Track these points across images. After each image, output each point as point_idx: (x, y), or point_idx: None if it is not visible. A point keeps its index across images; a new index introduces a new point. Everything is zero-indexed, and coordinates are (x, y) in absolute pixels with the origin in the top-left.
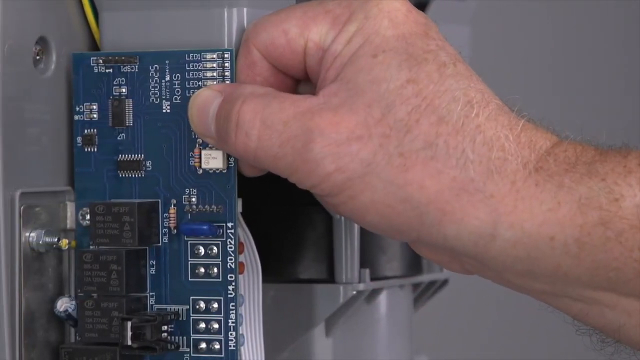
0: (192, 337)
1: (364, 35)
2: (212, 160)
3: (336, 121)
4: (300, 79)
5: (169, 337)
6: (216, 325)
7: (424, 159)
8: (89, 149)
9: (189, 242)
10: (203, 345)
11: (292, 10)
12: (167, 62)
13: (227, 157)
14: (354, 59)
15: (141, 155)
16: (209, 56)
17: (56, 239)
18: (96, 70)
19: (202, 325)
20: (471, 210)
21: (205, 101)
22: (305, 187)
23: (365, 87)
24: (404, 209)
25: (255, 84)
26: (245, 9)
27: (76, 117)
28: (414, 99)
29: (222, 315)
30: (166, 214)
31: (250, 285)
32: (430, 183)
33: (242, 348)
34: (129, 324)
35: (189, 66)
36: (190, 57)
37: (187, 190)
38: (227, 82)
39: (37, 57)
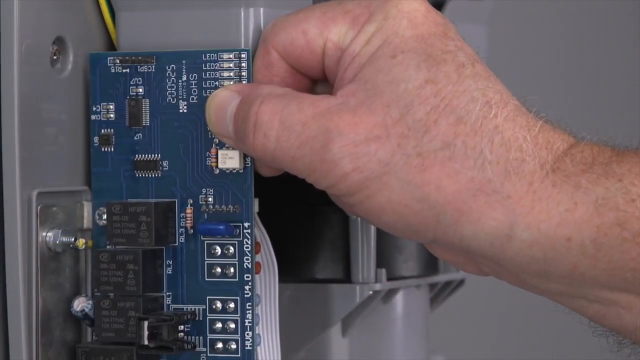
0: (208, 337)
1: (383, 36)
2: (229, 160)
3: (354, 121)
4: (317, 80)
5: (185, 337)
6: (233, 325)
7: (442, 159)
8: (106, 149)
9: (206, 242)
10: (219, 345)
11: (311, 11)
12: (183, 62)
13: (244, 157)
14: (372, 59)
15: (158, 155)
16: (225, 56)
17: (73, 239)
18: (113, 70)
19: (219, 325)
20: (488, 211)
21: (222, 101)
22: (323, 187)
23: (383, 88)
24: (420, 208)
25: (272, 84)
26: (262, 9)
27: (93, 117)
28: (432, 99)
29: (238, 315)
30: (183, 214)
31: (267, 285)
32: (448, 183)
33: (258, 348)
34: (146, 323)
35: (205, 66)
36: (207, 57)
37: (203, 190)
38: (244, 82)
39: (54, 57)
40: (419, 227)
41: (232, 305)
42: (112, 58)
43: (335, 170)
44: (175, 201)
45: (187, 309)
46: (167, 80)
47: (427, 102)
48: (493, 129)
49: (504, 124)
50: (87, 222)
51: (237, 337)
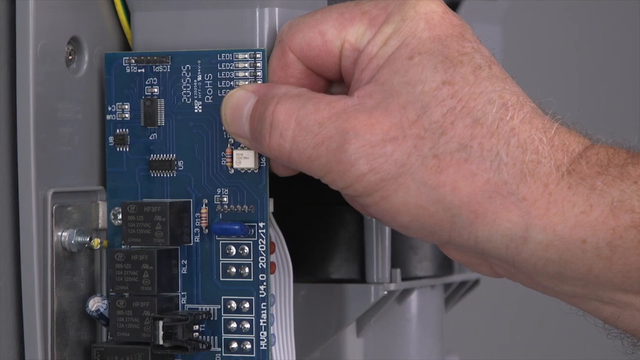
0: (223, 337)
1: (400, 37)
2: (244, 160)
3: (371, 122)
4: (333, 81)
5: (200, 337)
6: (247, 325)
7: (458, 161)
8: (121, 149)
9: (221, 241)
10: (234, 344)
11: (328, 12)
12: (199, 62)
13: (259, 156)
14: (390, 60)
15: (173, 155)
16: (240, 56)
17: (88, 239)
18: (128, 70)
19: (234, 324)
20: (503, 213)
21: (238, 101)
22: (339, 187)
23: (400, 89)
24: (436, 210)
25: (288, 85)
26: (277, 9)
27: (108, 117)
28: (449, 100)
29: (253, 315)
30: (198, 214)
31: (282, 285)
32: (464, 185)
33: (273, 348)
34: (161, 323)
35: (220, 66)
36: (222, 57)
37: (218, 190)
38: (259, 82)
39: (70, 57)
40: (434, 228)
41: (247, 305)
42: (128, 58)
43: (351, 170)
44: (190, 201)
45: (202, 308)
46: (182, 80)
47: (444, 104)
48: (509, 131)
49: (520, 126)
50: (102, 222)
51: (252, 337)
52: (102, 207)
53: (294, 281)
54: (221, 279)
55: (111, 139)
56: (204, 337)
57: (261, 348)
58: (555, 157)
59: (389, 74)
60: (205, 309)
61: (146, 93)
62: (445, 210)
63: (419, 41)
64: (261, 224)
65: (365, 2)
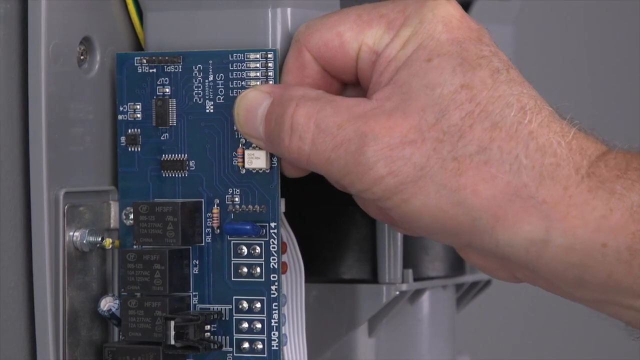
0: (234, 337)
1: (419, 40)
2: (256, 160)
3: (390, 125)
4: (348, 83)
5: (211, 337)
6: (259, 325)
7: (478, 164)
8: (133, 149)
9: (232, 242)
10: (246, 344)
11: (346, 14)
12: (210, 62)
13: (271, 157)
14: (408, 63)
15: (184, 155)
16: (252, 56)
17: (100, 239)
18: (140, 70)
19: (245, 325)
20: (524, 216)
21: (253, 102)
22: (356, 190)
23: (419, 92)
24: (456, 213)
25: (304, 86)
26: (289, 9)
27: (120, 117)
28: (467, 104)
29: (264, 315)
30: (209, 214)
31: (293, 285)
32: (484, 188)
33: (284, 348)
34: (172, 323)
35: (232, 66)
36: (234, 57)
37: (230, 190)
38: (271, 82)
39: (82, 57)
40: (455, 231)
41: (258, 305)
42: (139, 58)
43: (370, 173)
44: (201, 201)
45: (213, 308)
46: (194, 80)
47: (462, 108)
48: (528, 135)
49: (538, 130)
50: (113, 222)
51: (264, 337)
52: (114, 207)
53: (306, 281)
54: (233, 279)
55: (123, 139)
56: (216, 337)
57: (273, 348)
58: (574, 160)
59: (408, 76)
60: (217, 309)
61: (158, 93)
62: (465, 213)
63: (437, 43)
64: (273, 224)
65: (383, 5)
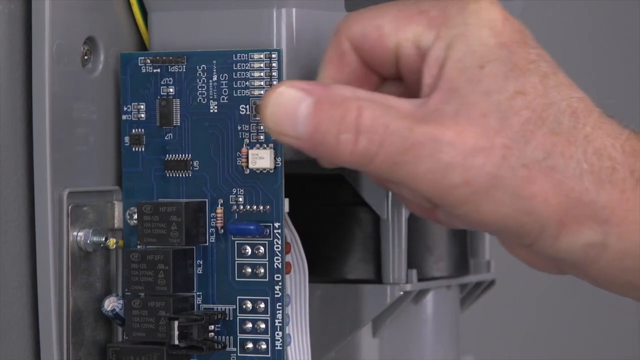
0: (238, 337)
1: (466, 43)
2: (260, 160)
3: (459, 130)
4: (385, 77)
5: (215, 337)
6: (263, 325)
7: (546, 170)
8: (137, 149)
9: (236, 242)
10: (250, 345)
11: (386, 8)
12: (214, 62)
13: (275, 156)
14: (461, 68)
15: (188, 155)
16: (256, 56)
17: (104, 239)
18: (144, 70)
19: (249, 325)
20: (585, 222)
21: (289, 100)
22: (424, 195)
23: (477, 98)
24: (526, 221)
25: (342, 74)
26: (294, 9)
27: (124, 117)
28: (524, 110)
29: (268, 315)
30: (213, 214)
31: (297, 285)
32: (553, 195)
33: (288, 348)
34: (176, 323)
35: (236, 66)
36: (238, 57)
37: (234, 190)
38: (275, 82)
39: (85, 57)
40: (519, 235)
41: (262, 305)
42: (143, 58)
43: (443, 181)
44: (205, 201)
45: (217, 308)
46: (198, 80)
47: (521, 114)
48: (584, 139)
49: (592, 133)
50: (117, 222)
51: (267, 337)
52: (118, 207)
53: (310, 281)
54: (236, 279)
55: (127, 139)
56: (220, 337)
57: (276, 348)
58: (628, 163)
59: (463, 82)
60: (221, 309)
61: (162, 93)
62: (534, 221)
63: (486, 48)
64: (277, 224)
65: (422, 1)
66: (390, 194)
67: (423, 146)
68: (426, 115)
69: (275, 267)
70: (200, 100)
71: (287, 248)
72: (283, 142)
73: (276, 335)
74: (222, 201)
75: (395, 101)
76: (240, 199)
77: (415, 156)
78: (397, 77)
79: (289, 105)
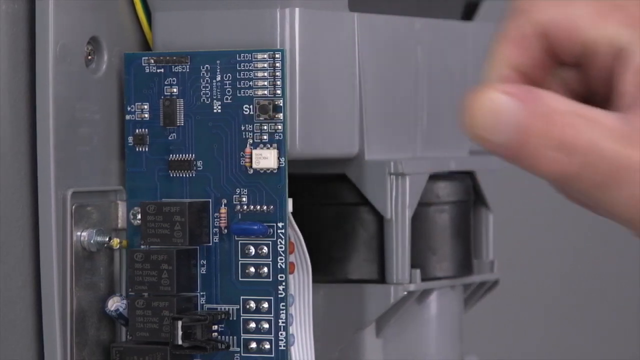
0: (242, 337)
1: None
2: (263, 160)
3: None
4: (565, 64)
5: (219, 337)
6: (266, 325)
7: None
8: (140, 149)
9: (240, 242)
10: (253, 345)
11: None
12: (218, 62)
13: (278, 156)
14: None
15: (192, 155)
16: (260, 56)
17: (107, 239)
18: (147, 70)
19: (253, 325)
20: None
21: (501, 105)
22: (619, 220)
23: None
24: None
25: (521, 58)
26: (297, 9)
27: (127, 117)
28: None
29: (272, 315)
30: (217, 214)
31: (301, 285)
32: None
33: (292, 348)
34: (180, 323)
35: (240, 66)
36: (241, 57)
37: (237, 190)
38: (278, 82)
39: (89, 57)
40: None
41: (265, 305)
42: (147, 58)
43: None
44: (209, 201)
45: (220, 308)
46: (202, 80)
47: None
48: None
49: None
50: (121, 222)
51: (271, 337)
52: (122, 207)
53: (313, 281)
54: (240, 279)
55: (130, 139)
56: (223, 337)
57: (280, 348)
58: None
59: None
60: (224, 309)
61: (165, 93)
62: None
63: None
64: (280, 224)
65: None
66: (393, 193)
67: (628, 171)
68: (632, 134)
69: (279, 267)
70: (203, 100)
71: (290, 248)
72: (483, 146)
73: (280, 335)
74: (225, 201)
75: (602, 116)
76: (244, 199)
77: (619, 180)
78: (575, 64)
79: (498, 111)
